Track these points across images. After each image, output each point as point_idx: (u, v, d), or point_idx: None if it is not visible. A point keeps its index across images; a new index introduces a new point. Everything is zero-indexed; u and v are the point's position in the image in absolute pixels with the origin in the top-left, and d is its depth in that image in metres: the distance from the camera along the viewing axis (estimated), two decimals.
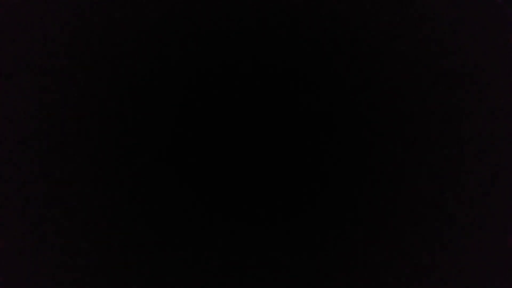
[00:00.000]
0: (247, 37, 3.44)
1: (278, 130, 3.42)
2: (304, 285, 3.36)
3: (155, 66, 3.42)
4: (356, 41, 3.44)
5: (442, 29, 3.45)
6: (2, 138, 3.39)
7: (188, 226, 3.39)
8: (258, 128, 3.42)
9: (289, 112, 3.42)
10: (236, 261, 3.37)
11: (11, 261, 3.36)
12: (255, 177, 3.41)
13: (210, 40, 3.44)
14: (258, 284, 3.36)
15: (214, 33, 3.44)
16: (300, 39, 3.43)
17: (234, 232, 3.38)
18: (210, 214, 3.39)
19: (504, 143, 3.40)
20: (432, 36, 3.45)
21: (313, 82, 3.42)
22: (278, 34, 3.44)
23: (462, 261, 3.38)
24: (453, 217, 3.39)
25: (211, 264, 3.37)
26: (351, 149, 3.41)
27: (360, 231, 3.38)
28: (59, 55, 3.43)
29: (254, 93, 3.42)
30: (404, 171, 3.40)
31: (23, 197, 3.38)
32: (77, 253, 3.36)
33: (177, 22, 3.43)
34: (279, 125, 3.42)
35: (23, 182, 3.38)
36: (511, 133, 3.41)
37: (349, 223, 3.38)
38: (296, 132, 3.41)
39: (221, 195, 3.40)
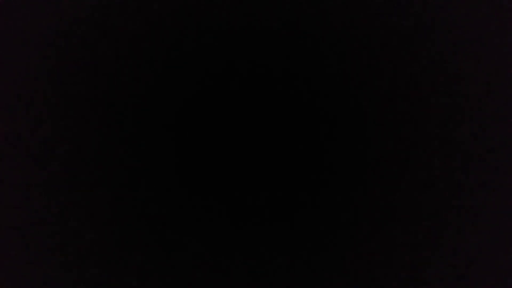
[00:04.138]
0: (247, 38, 3.44)
1: (279, 130, 3.42)
2: (304, 285, 3.37)
3: (155, 67, 3.43)
4: (355, 42, 3.44)
5: (442, 29, 3.45)
6: (2, 138, 3.40)
7: (188, 227, 3.39)
8: (258, 129, 3.42)
9: (290, 112, 3.43)
10: (236, 261, 3.37)
11: (11, 261, 3.36)
12: (255, 178, 3.41)
13: (209, 41, 3.44)
14: (258, 284, 3.36)
15: (214, 34, 3.45)
16: (301, 40, 3.43)
17: (234, 232, 3.39)
18: (210, 215, 3.40)
19: (504, 143, 3.40)
20: (432, 35, 3.45)
21: (314, 82, 3.42)
22: (278, 35, 3.44)
23: (461, 261, 3.38)
24: (453, 217, 3.39)
25: (211, 264, 3.38)
26: (351, 150, 3.41)
27: (360, 231, 3.38)
28: (60, 55, 3.43)
29: (254, 93, 3.42)
30: (404, 171, 3.40)
31: (23, 197, 3.38)
32: (77, 254, 3.36)
33: (177, 23, 3.43)
34: (279, 125, 3.42)
35: (23, 182, 3.39)
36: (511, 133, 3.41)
37: (349, 223, 3.39)
38: (296, 133, 3.41)
39: (221, 195, 3.41)
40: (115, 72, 3.41)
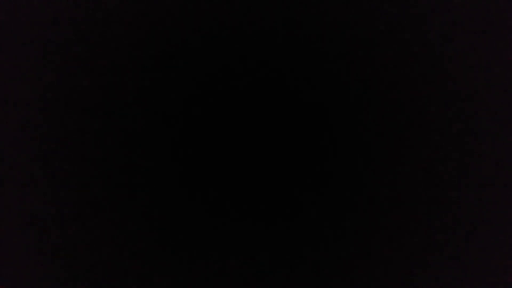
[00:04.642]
0: (247, 38, 3.44)
1: (280, 130, 3.42)
2: (303, 285, 3.36)
3: (155, 67, 3.43)
4: (355, 42, 3.44)
5: (441, 29, 3.45)
6: (3, 138, 3.40)
7: (187, 227, 3.39)
8: (259, 129, 3.43)
9: (290, 113, 3.43)
10: (235, 261, 3.37)
11: (11, 261, 3.36)
12: (255, 178, 3.41)
13: (209, 41, 3.44)
14: (258, 284, 3.36)
15: (213, 34, 3.45)
16: (302, 40, 3.44)
17: (234, 233, 3.39)
18: (210, 215, 3.40)
19: (504, 144, 3.40)
20: (431, 35, 3.45)
21: (314, 82, 3.42)
22: (278, 36, 3.44)
23: (461, 261, 3.38)
24: (453, 217, 3.39)
25: (211, 264, 3.37)
26: (351, 149, 3.41)
27: (360, 232, 3.38)
28: (60, 55, 3.43)
29: (254, 93, 3.42)
30: (403, 171, 3.40)
31: (23, 197, 3.38)
32: (77, 254, 3.36)
33: (177, 23, 3.44)
34: (280, 125, 3.42)
35: (23, 182, 3.39)
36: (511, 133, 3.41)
37: (349, 223, 3.39)
38: (297, 133, 3.41)
39: (221, 195, 3.41)
40: (115, 72, 3.42)
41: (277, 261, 3.38)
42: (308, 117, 3.42)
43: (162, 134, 3.41)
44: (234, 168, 3.41)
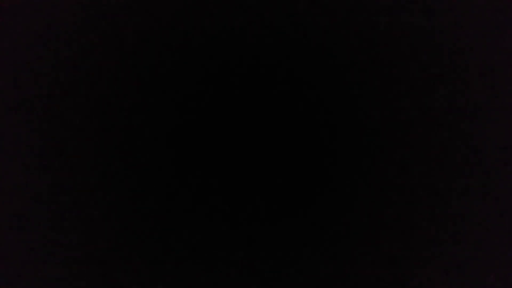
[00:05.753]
0: (248, 38, 3.44)
1: (281, 130, 3.42)
2: (304, 285, 3.36)
3: (155, 67, 3.43)
4: (355, 42, 3.43)
5: (442, 29, 3.45)
6: (3, 138, 3.40)
7: (188, 227, 3.39)
8: (259, 129, 3.42)
9: (290, 112, 3.42)
10: (235, 261, 3.37)
11: (10, 261, 3.37)
12: (256, 178, 3.41)
13: (209, 41, 3.44)
14: (258, 284, 3.36)
15: (214, 34, 3.45)
16: (301, 40, 3.43)
17: (233, 233, 3.39)
18: (210, 214, 3.40)
19: (504, 143, 3.40)
20: (432, 35, 3.44)
21: (314, 82, 3.42)
22: (279, 36, 3.44)
23: (462, 261, 3.37)
24: (453, 217, 3.39)
25: (211, 264, 3.38)
26: (351, 149, 3.41)
27: (360, 232, 3.38)
28: (61, 55, 3.43)
29: (255, 93, 3.42)
30: (404, 171, 3.40)
31: (23, 197, 3.39)
32: (77, 254, 3.36)
33: (177, 23, 3.44)
34: (281, 125, 3.42)
35: (23, 182, 3.39)
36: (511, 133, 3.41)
37: (349, 223, 3.38)
38: (297, 133, 3.41)
39: (222, 195, 3.41)
40: (114, 73, 3.42)
41: (277, 261, 3.38)
42: (308, 117, 3.42)
43: (163, 134, 3.41)
44: (235, 168, 3.41)
